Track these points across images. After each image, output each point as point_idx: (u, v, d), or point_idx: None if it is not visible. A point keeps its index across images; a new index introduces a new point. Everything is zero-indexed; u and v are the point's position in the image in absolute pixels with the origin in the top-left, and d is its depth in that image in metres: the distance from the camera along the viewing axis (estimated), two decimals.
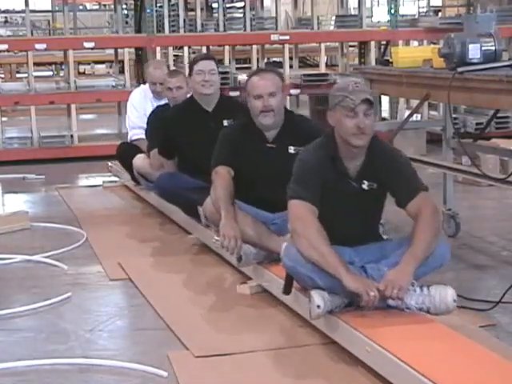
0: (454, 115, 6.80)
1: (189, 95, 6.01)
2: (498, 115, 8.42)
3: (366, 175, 3.86)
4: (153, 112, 6.55)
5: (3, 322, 4.22)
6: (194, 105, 5.70)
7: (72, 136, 9.24)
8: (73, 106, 9.44)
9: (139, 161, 6.61)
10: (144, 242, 5.72)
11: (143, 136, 6.70)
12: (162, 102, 6.60)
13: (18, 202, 7.29)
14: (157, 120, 6.24)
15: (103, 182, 7.84)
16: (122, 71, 10.20)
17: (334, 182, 3.83)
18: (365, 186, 3.85)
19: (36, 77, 10.14)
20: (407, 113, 9.27)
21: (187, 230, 5.72)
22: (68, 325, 4.17)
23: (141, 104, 7.00)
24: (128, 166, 6.92)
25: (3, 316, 4.28)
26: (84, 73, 16.41)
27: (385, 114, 10.45)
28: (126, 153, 6.93)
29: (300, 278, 3.80)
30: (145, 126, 6.63)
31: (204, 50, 10.08)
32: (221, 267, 5.01)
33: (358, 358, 3.45)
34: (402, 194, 3.84)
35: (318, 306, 3.55)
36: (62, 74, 14.79)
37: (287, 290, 3.94)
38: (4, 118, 9.91)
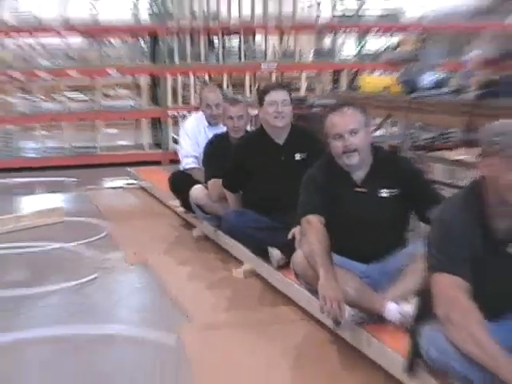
0: (410, 131, 6.81)
1: (248, 126, 5.22)
2: (444, 131, 8.46)
3: None
4: (210, 142, 5.25)
5: (39, 299, 4.18)
6: (264, 136, 4.53)
7: (98, 147, 9.19)
8: (98, 122, 9.38)
9: (197, 191, 5.30)
10: (157, 234, 5.67)
11: (196, 165, 5.63)
12: (218, 131, 5.40)
13: (55, 200, 7.24)
14: (214, 150, 5.10)
15: (124, 184, 7.80)
16: (139, 94, 10.18)
17: (481, 249, 2.57)
18: None
19: (70, 98, 10.09)
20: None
21: (194, 224, 5.68)
22: (94, 301, 4.14)
23: (194, 132, 5.75)
24: (181, 195, 5.71)
25: (39, 293, 4.25)
26: (109, 95, 16.30)
27: None
28: (179, 182, 5.69)
29: (444, 370, 2.59)
30: (197, 154, 5.59)
31: (207, 77, 10.03)
32: (221, 254, 4.98)
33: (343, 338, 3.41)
34: None
35: None
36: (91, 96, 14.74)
37: (412, 368, 2.77)
38: (44, 132, 9.85)
